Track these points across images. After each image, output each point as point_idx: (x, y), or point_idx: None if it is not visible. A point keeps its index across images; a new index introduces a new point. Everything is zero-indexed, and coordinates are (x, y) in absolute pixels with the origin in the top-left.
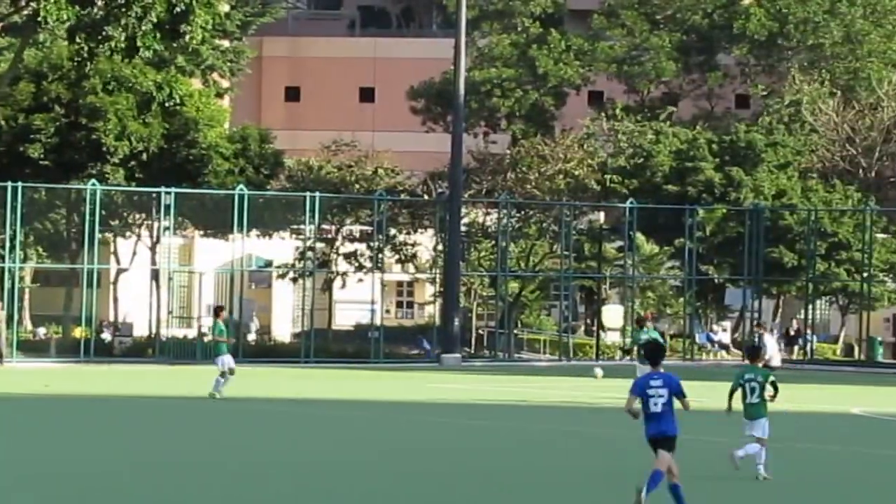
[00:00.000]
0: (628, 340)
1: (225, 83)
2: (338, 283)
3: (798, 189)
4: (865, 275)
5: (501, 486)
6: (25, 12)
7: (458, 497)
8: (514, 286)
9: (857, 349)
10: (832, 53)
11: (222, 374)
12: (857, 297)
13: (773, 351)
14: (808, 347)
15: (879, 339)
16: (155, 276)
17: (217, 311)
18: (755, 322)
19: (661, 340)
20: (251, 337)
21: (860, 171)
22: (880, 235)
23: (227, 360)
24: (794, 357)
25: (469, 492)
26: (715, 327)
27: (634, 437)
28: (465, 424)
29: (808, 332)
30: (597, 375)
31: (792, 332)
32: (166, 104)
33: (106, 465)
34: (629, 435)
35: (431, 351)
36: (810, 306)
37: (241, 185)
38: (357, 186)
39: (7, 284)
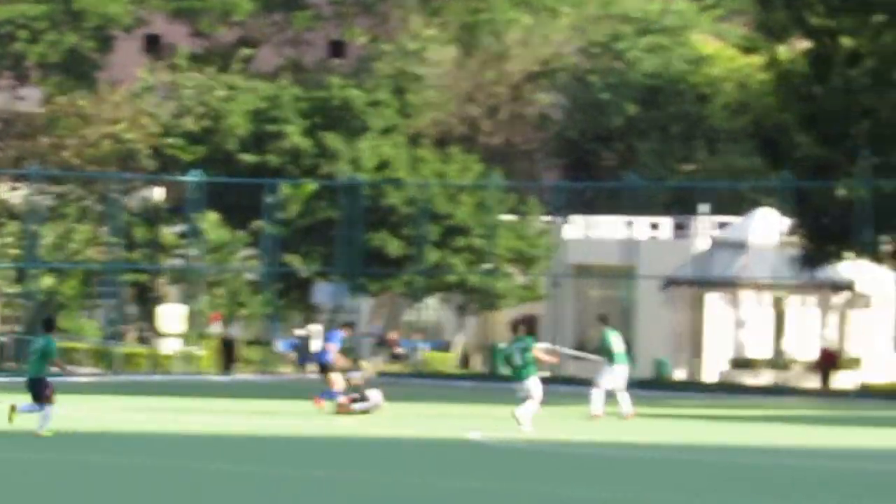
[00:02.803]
0: (193, 347)
1: None
2: None
3: (406, 159)
4: (488, 266)
5: None
6: None
7: None
8: (48, 281)
9: (474, 359)
10: None
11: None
12: (478, 293)
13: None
14: (416, 357)
15: (502, 345)
16: None
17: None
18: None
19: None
20: None
21: (482, 136)
22: (507, 217)
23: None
24: (397, 370)
25: None
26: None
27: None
28: None
29: (416, 337)
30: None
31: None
32: None
33: None
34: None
35: None
36: (418, 306)
37: None
38: None
39: None
